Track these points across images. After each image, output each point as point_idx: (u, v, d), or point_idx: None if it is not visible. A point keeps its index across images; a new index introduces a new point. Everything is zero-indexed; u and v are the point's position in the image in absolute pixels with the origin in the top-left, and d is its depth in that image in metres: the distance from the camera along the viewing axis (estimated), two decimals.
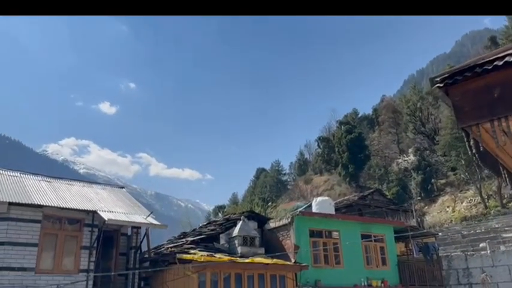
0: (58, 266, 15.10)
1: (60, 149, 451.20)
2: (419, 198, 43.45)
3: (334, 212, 21.34)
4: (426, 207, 42.68)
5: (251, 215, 19.43)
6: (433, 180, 45.93)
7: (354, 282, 18.03)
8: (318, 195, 53.20)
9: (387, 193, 44.68)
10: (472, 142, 5.45)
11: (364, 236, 19.32)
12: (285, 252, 17.24)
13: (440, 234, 25.16)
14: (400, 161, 52.59)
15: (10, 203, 14.60)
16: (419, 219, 35.88)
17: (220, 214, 50.46)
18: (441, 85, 5.49)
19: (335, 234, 18.98)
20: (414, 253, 20.50)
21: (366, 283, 18.21)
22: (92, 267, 15.63)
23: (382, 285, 18.57)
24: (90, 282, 15.44)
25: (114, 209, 16.79)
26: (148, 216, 16.77)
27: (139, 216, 16.66)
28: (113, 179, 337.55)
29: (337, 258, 18.48)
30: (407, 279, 19.23)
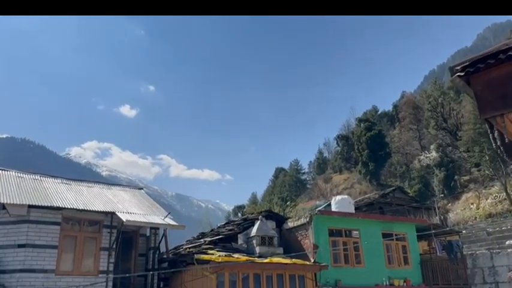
0: (78, 268, 15.21)
1: (83, 152, 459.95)
2: (442, 195, 42.49)
3: (354, 211, 20.97)
4: (449, 205, 41.71)
5: (269, 215, 19.23)
6: (456, 177, 44.86)
7: (375, 282, 17.65)
8: (338, 194, 52.61)
9: (409, 191, 43.87)
10: (496, 134, 5.13)
11: (385, 235, 18.91)
12: (303, 252, 16.99)
13: (464, 231, 24.50)
14: (421, 157, 51.57)
15: (30, 206, 14.77)
16: (442, 217, 35.07)
17: (240, 214, 50.41)
18: (462, 74, 5.19)
19: (355, 233, 18.63)
20: (437, 251, 19.97)
21: (387, 283, 17.81)
22: (111, 268, 15.70)
23: (405, 284, 18.14)
24: (110, 284, 15.52)
25: (133, 210, 16.84)
26: (166, 216, 16.76)
27: (157, 217, 16.65)
28: (135, 181, 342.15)
29: (357, 257, 18.13)
30: (430, 278, 18.74)
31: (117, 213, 15.82)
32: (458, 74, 5.29)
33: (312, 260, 16.96)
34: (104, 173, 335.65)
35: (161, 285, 17.12)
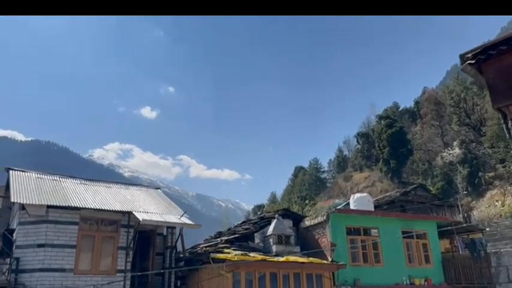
0: (96, 267, 15.38)
1: (106, 154, 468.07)
2: (466, 192, 41.51)
3: (373, 209, 20.60)
4: (473, 202, 40.72)
5: (286, 213, 19.07)
6: (480, 174, 43.78)
7: (395, 281, 17.29)
8: (358, 192, 51.98)
9: (431, 188, 42.97)
10: (510, 124, 4.89)
11: (405, 233, 18.53)
12: (320, 249, 16.81)
13: (488, 229, 23.81)
14: (444, 154, 50.55)
15: (49, 206, 15.00)
16: (465, 215, 34.20)
17: (259, 213, 50.38)
18: (473, 61, 4.96)
19: (374, 231, 18.30)
20: (460, 250, 19.45)
21: (408, 282, 17.43)
22: (128, 267, 15.82)
23: (426, 283, 17.71)
24: (128, 282, 15.63)
25: (149, 209, 16.93)
26: (182, 216, 16.78)
27: (174, 216, 16.70)
28: (156, 181, 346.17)
29: (376, 256, 17.80)
30: (452, 277, 18.26)
31: (134, 212, 15.93)
32: (469, 61, 5.07)
33: (330, 259, 16.73)
34: (126, 174, 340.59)
35: (178, 284, 17.16)
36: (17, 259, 14.28)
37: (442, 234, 19.83)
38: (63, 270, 14.65)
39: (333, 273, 16.38)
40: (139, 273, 15.39)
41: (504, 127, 4.81)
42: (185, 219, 16.61)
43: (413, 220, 19.34)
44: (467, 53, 5.09)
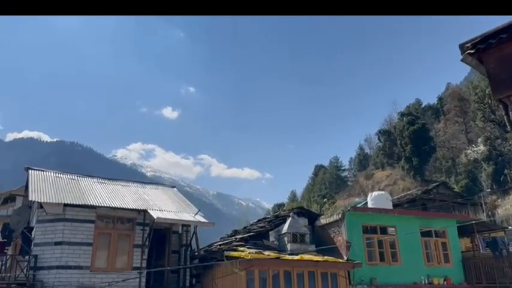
0: (112, 264, 15.60)
1: (129, 154, 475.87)
2: (490, 190, 40.41)
3: (391, 207, 20.24)
4: (499, 200, 39.58)
5: (301, 212, 18.92)
6: (506, 171, 42.53)
7: (413, 280, 16.93)
8: (380, 190, 51.29)
9: (455, 186, 42.06)
10: (511, 115, 4.68)
11: (423, 232, 18.14)
12: (334, 245, 16.61)
13: (510, 227, 23.06)
14: (468, 151, 49.35)
15: (66, 205, 15.30)
16: (489, 213, 33.32)
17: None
18: (472, 51, 4.78)
19: (391, 230, 17.97)
20: (481, 249, 18.90)
21: (426, 281, 17.04)
22: (144, 264, 15.99)
23: (445, 283, 17.28)
24: (143, 280, 15.80)
25: (164, 207, 17.07)
26: (196, 214, 16.85)
27: (188, 215, 16.79)
28: (178, 181, 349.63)
29: (394, 255, 17.47)
30: (473, 276, 17.76)
31: (148, 210, 16.09)
32: (468, 51, 4.89)
33: (345, 258, 16.51)
34: (148, 174, 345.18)
35: (193, 281, 17.25)
36: (35, 256, 14.62)
37: (462, 233, 19.32)
38: (79, 267, 14.93)
39: (349, 272, 16.16)
40: (154, 270, 15.57)
41: (506, 119, 4.62)
42: (199, 218, 16.68)
43: (432, 218, 18.90)
44: (466, 42, 4.92)
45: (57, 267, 14.60)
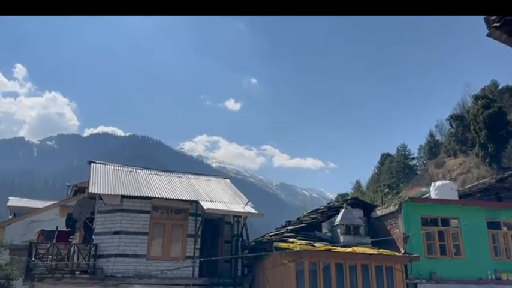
0: (167, 253, 16.16)
1: (195, 146, 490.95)
2: None
3: (457, 198, 18.96)
4: None
5: (355, 203, 18.30)
6: None
7: (478, 276, 15.77)
8: (452, 179, 48.42)
9: None
10: None
11: (491, 224, 16.82)
12: (390, 237, 15.91)
13: None
14: None
15: (123, 196, 16.03)
16: None
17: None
18: (498, 24, 4.20)
19: (454, 221, 16.85)
20: None
21: (493, 276, 15.79)
22: (197, 254, 16.38)
23: None
24: (196, 269, 16.21)
25: (216, 198, 17.32)
26: (246, 205, 16.91)
27: (238, 206, 16.90)
28: (241, 171, 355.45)
29: (456, 248, 16.38)
30: None
31: (200, 201, 16.41)
32: (494, 25, 4.30)
33: (402, 251, 15.75)
34: (214, 165, 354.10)
35: (245, 271, 17.38)
36: (96, 245, 15.50)
37: None
38: (136, 255, 15.62)
39: (406, 265, 15.40)
40: (207, 258, 15.85)
41: None
42: (249, 208, 16.73)
43: (500, 209, 17.44)
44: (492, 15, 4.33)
45: (116, 256, 15.37)
